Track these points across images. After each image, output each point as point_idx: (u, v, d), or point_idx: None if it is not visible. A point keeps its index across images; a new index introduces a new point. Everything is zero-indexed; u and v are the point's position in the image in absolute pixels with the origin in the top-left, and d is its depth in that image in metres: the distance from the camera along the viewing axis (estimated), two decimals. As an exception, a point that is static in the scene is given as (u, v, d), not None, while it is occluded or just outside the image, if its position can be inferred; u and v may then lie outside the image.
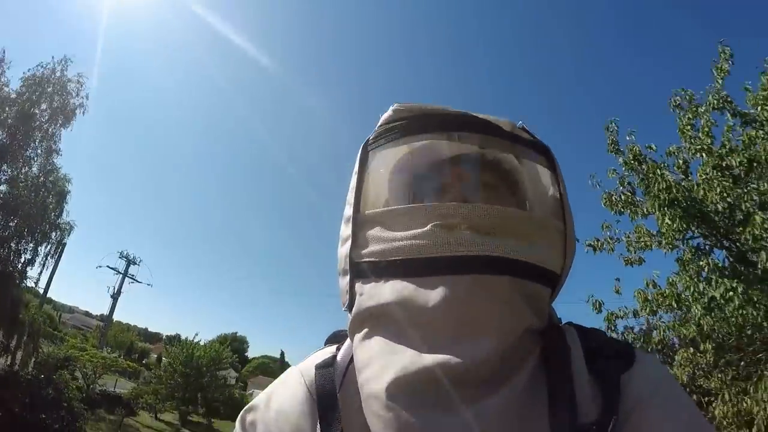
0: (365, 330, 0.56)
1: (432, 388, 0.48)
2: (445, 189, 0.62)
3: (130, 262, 30.39)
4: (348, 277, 0.59)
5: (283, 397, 0.63)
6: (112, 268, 29.44)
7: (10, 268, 14.04)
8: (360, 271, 0.58)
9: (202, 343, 24.02)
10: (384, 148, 0.64)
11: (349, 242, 0.59)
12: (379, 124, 0.65)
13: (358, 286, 0.58)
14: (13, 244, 14.18)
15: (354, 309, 0.58)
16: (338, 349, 0.66)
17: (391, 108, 0.64)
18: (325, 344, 0.72)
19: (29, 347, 14.38)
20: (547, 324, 0.57)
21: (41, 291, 19.99)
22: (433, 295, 0.50)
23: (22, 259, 14.44)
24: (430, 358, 0.48)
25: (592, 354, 0.56)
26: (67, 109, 15.08)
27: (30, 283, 16.03)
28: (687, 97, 6.01)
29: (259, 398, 0.66)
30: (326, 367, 0.62)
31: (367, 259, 0.57)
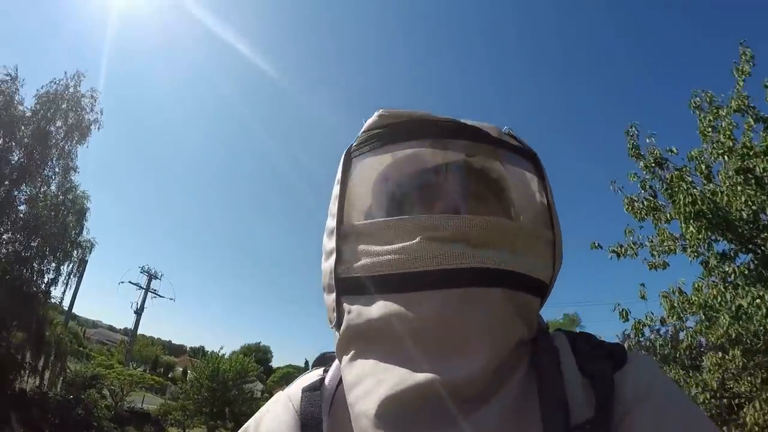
0: (354, 350, 0.54)
1: (423, 404, 0.47)
2: (433, 199, 0.59)
3: (151, 276, 30.60)
4: (334, 294, 0.56)
5: (272, 422, 0.61)
6: (134, 284, 29.69)
7: (34, 289, 14.03)
8: (346, 287, 0.55)
9: (226, 356, 23.96)
10: (368, 155, 0.61)
11: (334, 256, 0.56)
12: (362, 129, 0.62)
13: (345, 303, 0.55)
14: (35, 265, 14.17)
15: (342, 328, 0.55)
16: (326, 371, 0.65)
17: (375, 113, 0.61)
18: (313, 366, 0.69)
19: (57, 367, 14.38)
20: (535, 331, 0.56)
21: (65, 308, 20.10)
22: (425, 311, 0.49)
23: (46, 279, 14.46)
24: (422, 375, 0.47)
25: (583, 356, 0.55)
26: (83, 125, 15.03)
27: (54, 302, 16.07)
28: (707, 99, 6.02)
29: (248, 425, 0.64)
30: (313, 390, 0.61)
31: (354, 275, 0.54)
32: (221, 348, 24.58)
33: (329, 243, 0.58)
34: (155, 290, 30.58)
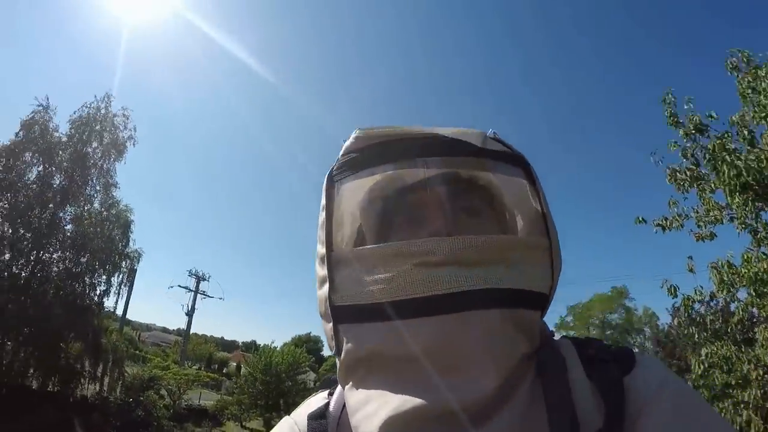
0: (355, 376, 0.54)
1: (426, 424, 0.47)
2: (422, 219, 0.59)
3: (199, 279, 31.80)
4: (331, 323, 0.56)
5: None
6: (183, 287, 30.94)
7: (87, 301, 14.94)
8: (342, 315, 0.55)
9: (278, 348, 24.67)
10: (350, 179, 0.61)
11: (327, 285, 0.56)
12: (341, 152, 0.61)
13: (343, 331, 0.55)
14: (87, 279, 15.06)
15: (342, 356, 0.55)
16: (330, 394, 0.65)
17: (352, 134, 0.60)
18: (319, 390, 0.70)
19: (115, 372, 15.32)
20: (540, 341, 0.55)
21: (120, 315, 21.31)
22: (421, 338, 0.49)
23: (98, 291, 15.36)
24: (424, 397, 0.47)
25: (591, 362, 0.54)
26: (118, 144, 15.77)
27: (108, 311, 17.09)
28: (744, 59, 5.68)
29: None
30: (318, 418, 0.61)
31: (349, 303, 0.54)
32: (272, 341, 25.29)
33: (321, 270, 0.58)
34: (204, 291, 31.79)
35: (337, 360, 0.57)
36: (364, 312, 0.53)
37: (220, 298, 33.88)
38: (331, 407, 0.63)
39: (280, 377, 22.13)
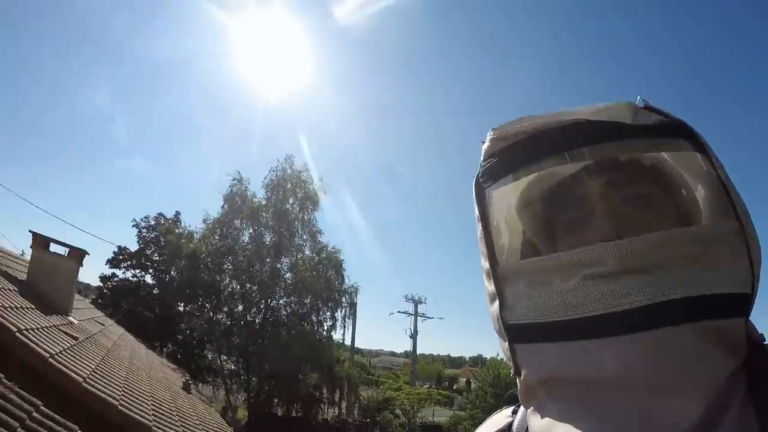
0: (536, 399, 0.52)
1: None
2: (585, 221, 0.53)
3: (417, 303, 33.41)
4: (507, 342, 0.53)
5: None
6: (403, 312, 32.84)
7: (318, 337, 16.98)
8: (517, 334, 0.51)
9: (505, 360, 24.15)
10: (499, 185, 0.56)
11: (497, 301, 0.53)
12: (482, 157, 0.57)
13: (519, 350, 0.52)
14: (313, 317, 17.21)
15: (521, 377, 0.53)
16: (515, 412, 0.63)
17: (488, 137, 0.56)
18: (504, 406, 0.68)
19: (351, 397, 16.92)
20: (747, 350, 0.47)
21: (348, 345, 23.63)
22: (605, 360, 0.43)
23: (325, 327, 17.43)
24: (612, 431, 0.43)
25: None
26: (311, 196, 17.91)
27: (338, 342, 19.15)
28: None
29: None
30: None
31: (521, 321, 0.51)
32: (498, 353, 24.87)
33: (489, 286, 0.55)
34: (423, 313, 33.30)
35: (517, 380, 0.54)
36: (538, 331, 0.48)
37: (440, 318, 34.92)
38: (515, 427, 0.60)
39: (510, 389, 21.45)
